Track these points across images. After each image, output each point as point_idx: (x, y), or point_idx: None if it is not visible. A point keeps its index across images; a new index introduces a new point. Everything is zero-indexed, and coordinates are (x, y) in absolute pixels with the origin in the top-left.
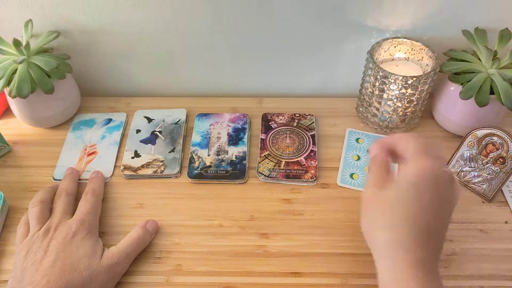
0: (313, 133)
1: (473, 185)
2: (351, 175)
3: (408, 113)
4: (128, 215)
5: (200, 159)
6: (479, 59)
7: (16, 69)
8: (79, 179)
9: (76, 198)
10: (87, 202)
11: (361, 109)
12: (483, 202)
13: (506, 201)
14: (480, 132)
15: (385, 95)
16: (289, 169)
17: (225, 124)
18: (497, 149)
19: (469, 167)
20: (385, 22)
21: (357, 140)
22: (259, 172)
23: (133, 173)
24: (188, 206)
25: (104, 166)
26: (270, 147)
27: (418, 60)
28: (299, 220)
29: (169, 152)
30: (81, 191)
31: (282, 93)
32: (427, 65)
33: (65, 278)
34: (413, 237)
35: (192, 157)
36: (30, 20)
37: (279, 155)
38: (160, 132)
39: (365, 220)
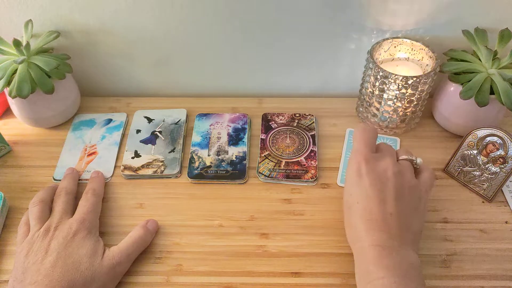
0: (313, 133)
1: (473, 185)
2: None
3: (408, 113)
4: (128, 215)
5: (200, 159)
6: (479, 59)
7: (16, 69)
8: (80, 180)
9: (76, 198)
10: (88, 201)
11: (361, 109)
12: (483, 202)
13: (506, 201)
14: (480, 132)
15: (385, 95)
16: (289, 169)
17: (225, 124)
18: (497, 149)
19: (469, 167)
20: (385, 22)
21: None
22: (259, 172)
23: (133, 173)
24: (188, 206)
25: (104, 166)
26: (270, 147)
27: (418, 60)
28: (299, 220)
29: (169, 152)
30: (81, 191)
31: (282, 93)
32: (427, 65)
33: (67, 277)
34: (363, 224)
35: (192, 157)
36: (30, 20)
37: (279, 155)
38: (160, 132)
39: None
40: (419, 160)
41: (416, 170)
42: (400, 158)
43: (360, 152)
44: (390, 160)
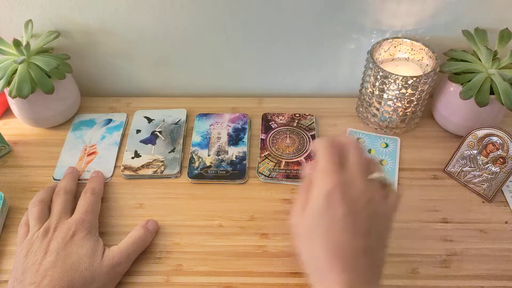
0: (313, 133)
1: (473, 185)
2: None
3: (408, 113)
4: (128, 215)
5: (200, 159)
6: (479, 59)
7: (16, 69)
8: (79, 180)
9: (75, 198)
10: (86, 201)
11: (361, 109)
12: (483, 202)
13: (506, 201)
14: (480, 132)
15: (385, 95)
16: (289, 169)
17: (225, 124)
18: (497, 149)
19: (469, 167)
20: (385, 22)
21: (357, 140)
22: (259, 172)
23: (133, 173)
24: (188, 206)
25: (104, 166)
26: (270, 147)
27: (418, 60)
28: None
29: (169, 152)
30: (81, 191)
31: (282, 93)
32: (427, 65)
33: (67, 278)
34: (330, 261)
35: (192, 157)
36: (30, 20)
37: (279, 155)
38: (160, 132)
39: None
40: (388, 180)
41: (383, 188)
42: (372, 176)
43: (330, 174)
44: (362, 184)
